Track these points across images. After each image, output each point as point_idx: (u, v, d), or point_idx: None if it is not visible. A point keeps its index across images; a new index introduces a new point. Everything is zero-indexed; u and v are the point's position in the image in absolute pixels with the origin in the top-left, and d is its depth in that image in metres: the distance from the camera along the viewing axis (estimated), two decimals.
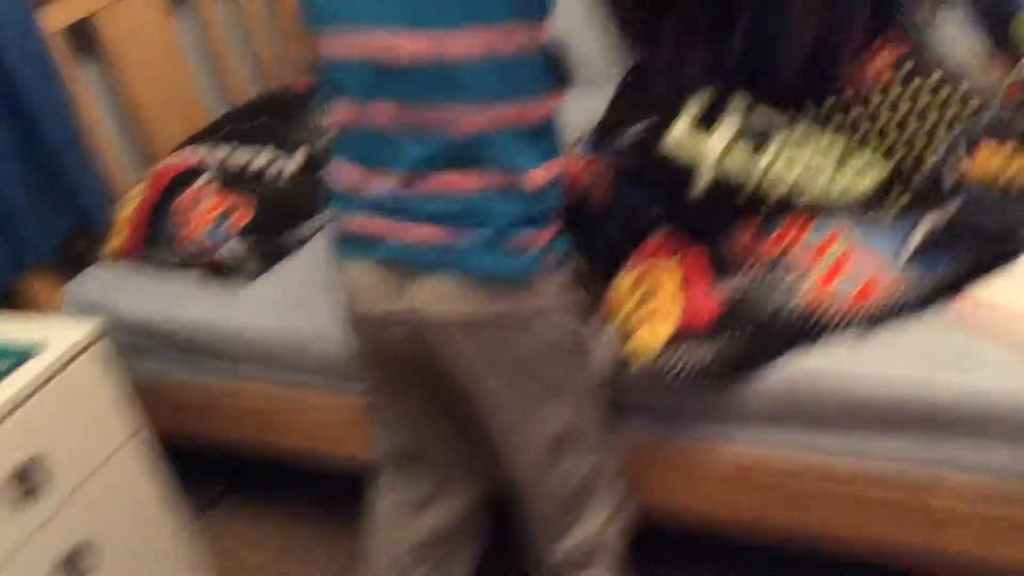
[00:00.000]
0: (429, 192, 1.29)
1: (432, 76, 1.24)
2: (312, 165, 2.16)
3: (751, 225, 1.63)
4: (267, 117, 2.25)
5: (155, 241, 2.06)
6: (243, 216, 1.99)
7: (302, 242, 2.05)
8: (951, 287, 1.45)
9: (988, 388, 1.33)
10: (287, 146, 2.19)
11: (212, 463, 2.21)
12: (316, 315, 1.80)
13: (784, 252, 1.59)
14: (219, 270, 2.00)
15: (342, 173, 1.36)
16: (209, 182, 2.06)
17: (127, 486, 1.73)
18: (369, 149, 1.32)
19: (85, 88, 2.17)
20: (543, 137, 1.31)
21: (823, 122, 1.60)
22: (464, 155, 1.26)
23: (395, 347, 1.40)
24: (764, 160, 1.58)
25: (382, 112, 1.28)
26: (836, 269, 1.53)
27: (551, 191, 1.32)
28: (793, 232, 1.59)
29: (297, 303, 1.85)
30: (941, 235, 1.47)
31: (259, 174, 2.11)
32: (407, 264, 1.32)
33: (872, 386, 1.39)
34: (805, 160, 1.59)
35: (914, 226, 1.49)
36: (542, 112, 1.30)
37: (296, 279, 1.94)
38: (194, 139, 2.23)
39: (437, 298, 1.31)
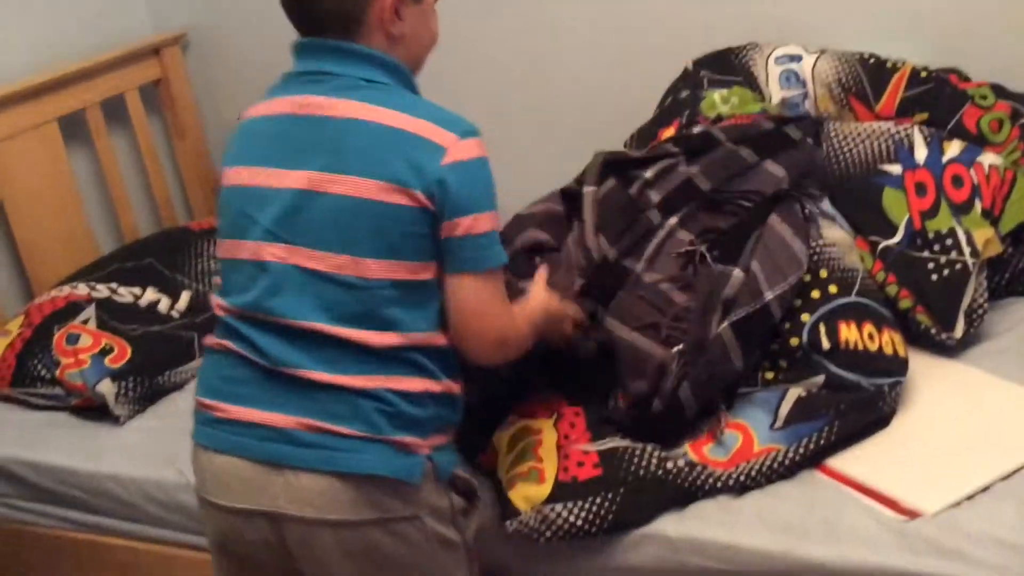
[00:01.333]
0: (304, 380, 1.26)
1: None
2: (195, 308, 2.13)
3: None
4: (154, 257, 2.23)
5: (24, 379, 1.98)
6: (118, 357, 1.94)
7: (177, 386, 2.00)
8: (816, 457, 1.48)
9: (849, 559, 1.33)
10: (171, 288, 2.16)
11: None
12: (186, 465, 1.72)
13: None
14: (88, 411, 1.93)
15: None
16: (87, 320, 2.01)
17: None
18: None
19: None
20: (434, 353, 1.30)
21: None
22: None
23: (249, 544, 1.32)
24: None
25: None
26: (709, 436, 1.55)
27: (438, 403, 1.31)
28: None
29: (166, 452, 1.78)
30: (807, 407, 1.51)
31: (140, 315, 2.07)
32: (275, 457, 1.26)
33: (738, 556, 1.39)
34: None
35: (781, 398, 1.53)
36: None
37: (168, 425, 1.87)
38: (78, 275, 2.19)
39: (306, 498, 1.25)
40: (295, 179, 1.26)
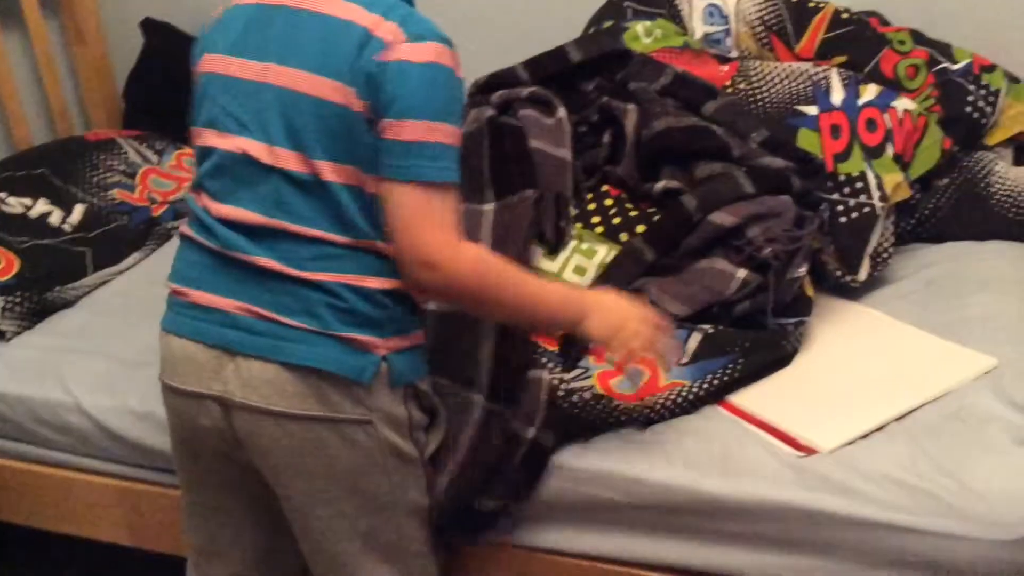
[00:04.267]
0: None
1: None
2: (88, 223, 2.04)
3: None
4: (48, 167, 2.11)
5: None
6: (5, 270, 1.85)
7: (68, 303, 1.92)
8: (720, 392, 1.49)
9: (746, 493, 1.35)
10: (64, 200, 2.06)
11: None
12: (76, 385, 1.67)
13: (568, 348, 1.60)
14: None
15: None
16: None
17: None
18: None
19: None
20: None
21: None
22: None
23: (203, 432, 1.30)
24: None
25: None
26: (617, 369, 1.54)
27: (400, 303, 1.26)
28: None
29: (56, 370, 1.71)
30: (714, 343, 1.52)
31: (30, 227, 1.97)
32: (227, 342, 1.24)
33: (641, 488, 1.39)
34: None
35: (689, 334, 1.53)
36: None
37: (57, 343, 1.79)
38: None
39: (254, 385, 1.23)
40: (256, 70, 1.22)
